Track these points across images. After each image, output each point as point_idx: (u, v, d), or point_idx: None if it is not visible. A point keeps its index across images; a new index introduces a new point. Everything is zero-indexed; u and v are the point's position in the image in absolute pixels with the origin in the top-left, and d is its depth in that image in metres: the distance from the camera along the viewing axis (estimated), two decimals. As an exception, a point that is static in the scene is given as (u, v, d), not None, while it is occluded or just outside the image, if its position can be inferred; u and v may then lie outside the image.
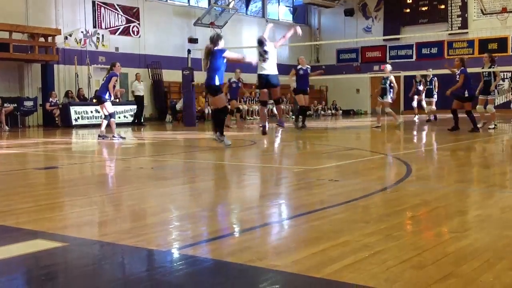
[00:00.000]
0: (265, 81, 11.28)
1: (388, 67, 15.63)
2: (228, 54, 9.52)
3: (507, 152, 9.20)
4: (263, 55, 11.12)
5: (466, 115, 12.62)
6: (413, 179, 5.70)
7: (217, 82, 9.30)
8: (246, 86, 20.03)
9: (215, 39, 9.41)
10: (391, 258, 2.78)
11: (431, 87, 17.71)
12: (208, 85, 9.49)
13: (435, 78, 17.83)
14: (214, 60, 9.29)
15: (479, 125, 13.47)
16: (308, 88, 15.26)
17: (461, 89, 12.50)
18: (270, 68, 11.23)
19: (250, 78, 19.91)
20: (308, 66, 15.46)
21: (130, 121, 20.33)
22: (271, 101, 15.65)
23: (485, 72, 13.60)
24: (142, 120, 20.51)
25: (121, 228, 3.61)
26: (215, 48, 9.33)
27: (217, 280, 2.58)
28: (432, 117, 17.96)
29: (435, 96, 17.78)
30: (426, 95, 18.00)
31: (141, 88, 20.58)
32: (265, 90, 11.56)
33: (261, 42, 11.23)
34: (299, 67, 14.95)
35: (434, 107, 17.91)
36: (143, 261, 2.99)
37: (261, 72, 11.26)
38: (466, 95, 12.41)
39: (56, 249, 3.16)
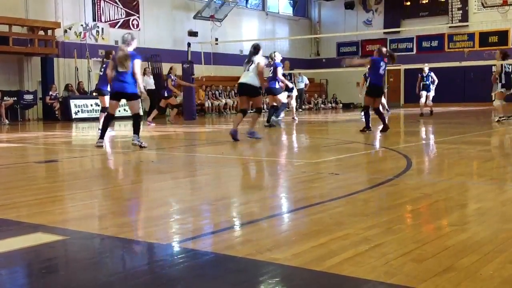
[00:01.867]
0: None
1: None
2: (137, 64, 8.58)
3: (508, 146, 9.20)
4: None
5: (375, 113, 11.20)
6: (413, 172, 5.70)
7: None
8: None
9: (129, 40, 8.60)
10: (391, 251, 2.78)
11: (427, 82, 17.75)
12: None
13: (432, 73, 17.88)
14: (135, 64, 8.50)
15: (500, 118, 13.35)
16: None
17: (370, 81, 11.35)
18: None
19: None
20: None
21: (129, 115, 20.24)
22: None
23: (509, 65, 13.44)
24: (149, 114, 20.12)
25: (122, 222, 3.62)
26: (130, 50, 8.55)
27: (217, 273, 2.58)
28: (426, 111, 17.97)
29: (432, 91, 17.84)
30: (423, 90, 18.06)
31: (152, 82, 20.23)
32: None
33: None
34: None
35: (430, 101, 17.89)
36: (143, 255, 2.99)
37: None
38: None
39: (57, 243, 3.16)
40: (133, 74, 8.48)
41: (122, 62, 8.41)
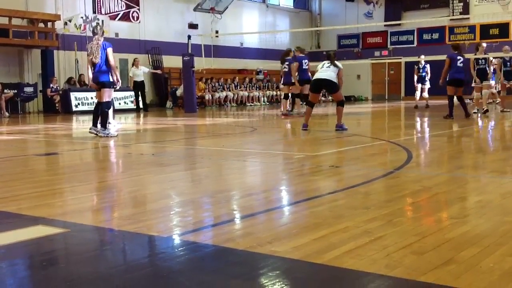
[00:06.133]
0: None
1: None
2: (110, 52, 9.15)
3: (509, 138, 9.19)
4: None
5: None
6: (413, 165, 5.70)
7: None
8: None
9: (99, 31, 9.20)
10: (391, 244, 2.79)
11: (423, 74, 17.76)
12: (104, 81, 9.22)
13: (427, 65, 17.87)
14: (108, 53, 9.06)
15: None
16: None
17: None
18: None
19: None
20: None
21: (131, 107, 20.25)
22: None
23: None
24: (143, 106, 20.18)
25: (122, 214, 3.62)
26: (101, 41, 9.12)
27: (218, 266, 2.59)
28: (421, 104, 17.97)
29: (427, 83, 17.84)
30: (418, 82, 18.07)
31: (140, 74, 20.15)
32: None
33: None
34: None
35: (426, 94, 17.92)
36: (144, 247, 3.00)
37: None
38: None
39: (57, 235, 3.17)
40: (107, 63, 9.09)
41: (94, 54, 9.06)
